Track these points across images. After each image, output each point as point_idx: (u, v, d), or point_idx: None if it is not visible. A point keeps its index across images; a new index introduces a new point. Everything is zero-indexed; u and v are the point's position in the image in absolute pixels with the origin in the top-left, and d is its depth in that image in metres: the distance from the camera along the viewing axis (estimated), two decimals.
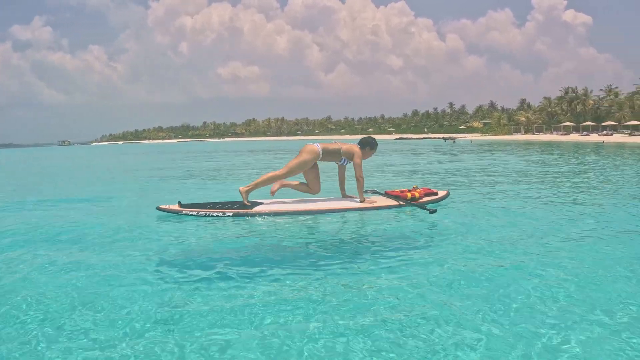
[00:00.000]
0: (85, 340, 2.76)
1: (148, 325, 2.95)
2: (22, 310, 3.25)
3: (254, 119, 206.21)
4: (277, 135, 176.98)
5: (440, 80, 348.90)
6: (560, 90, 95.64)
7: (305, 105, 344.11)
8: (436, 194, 7.43)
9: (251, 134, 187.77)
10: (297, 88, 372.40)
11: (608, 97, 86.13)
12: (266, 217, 6.39)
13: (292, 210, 6.51)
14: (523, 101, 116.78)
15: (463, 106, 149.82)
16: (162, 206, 6.64)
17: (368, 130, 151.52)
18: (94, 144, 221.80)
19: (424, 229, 5.72)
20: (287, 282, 3.75)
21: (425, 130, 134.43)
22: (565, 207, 7.24)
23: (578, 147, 37.11)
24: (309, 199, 7.18)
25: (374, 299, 3.33)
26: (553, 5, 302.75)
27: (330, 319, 2.98)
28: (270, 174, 6.82)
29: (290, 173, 6.88)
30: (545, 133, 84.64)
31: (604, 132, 69.08)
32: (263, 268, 4.10)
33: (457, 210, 6.85)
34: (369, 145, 7.22)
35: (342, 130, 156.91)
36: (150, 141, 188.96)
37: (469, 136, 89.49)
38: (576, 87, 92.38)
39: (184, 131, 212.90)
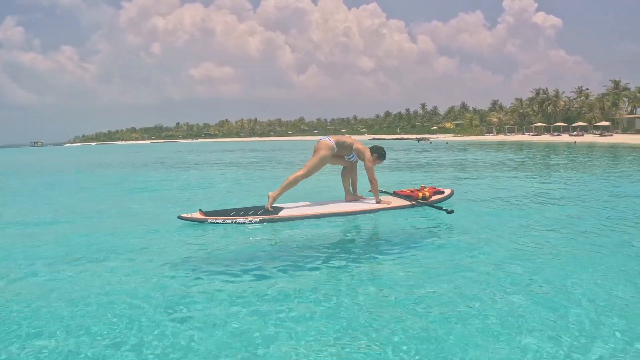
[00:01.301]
0: (103, 345, 2.85)
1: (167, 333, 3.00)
2: (39, 313, 3.34)
3: (227, 119, 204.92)
4: (250, 136, 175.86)
5: (412, 81, 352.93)
6: (532, 92, 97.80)
7: (278, 106, 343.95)
8: (443, 192, 7.73)
9: (224, 135, 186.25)
10: (270, 89, 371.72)
11: (578, 99, 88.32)
12: (291, 221, 6.46)
13: (315, 214, 6.64)
14: (495, 102, 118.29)
15: (435, 107, 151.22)
16: (183, 215, 6.44)
17: (341, 131, 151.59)
18: (67, 145, 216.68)
19: (440, 228, 5.99)
20: (321, 286, 3.83)
21: (398, 131, 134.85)
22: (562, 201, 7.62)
23: (552, 147, 37.94)
24: (329, 201, 7.39)
25: (406, 298, 3.50)
26: (523, 8, 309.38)
27: (366, 324, 3.06)
28: (292, 176, 6.87)
29: (310, 172, 6.99)
30: (517, 134, 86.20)
31: (575, 132, 70.84)
32: (293, 273, 4.21)
33: (466, 208, 7.21)
34: (377, 153, 7.42)
35: (315, 131, 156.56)
36: (124, 142, 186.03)
37: (443, 137, 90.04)
38: (547, 89, 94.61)
39: (157, 132, 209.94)
